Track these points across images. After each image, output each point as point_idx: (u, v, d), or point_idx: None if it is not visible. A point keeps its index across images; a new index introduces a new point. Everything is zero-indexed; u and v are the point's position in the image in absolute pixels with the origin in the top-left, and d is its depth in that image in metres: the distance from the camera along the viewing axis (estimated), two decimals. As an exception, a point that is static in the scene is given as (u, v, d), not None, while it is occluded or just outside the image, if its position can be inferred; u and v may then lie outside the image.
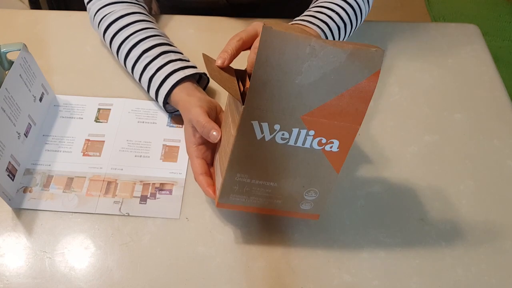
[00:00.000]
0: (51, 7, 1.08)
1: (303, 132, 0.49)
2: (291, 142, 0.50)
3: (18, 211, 0.60)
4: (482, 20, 2.06)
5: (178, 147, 0.67)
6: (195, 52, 0.72)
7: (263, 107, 0.48)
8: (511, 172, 0.66)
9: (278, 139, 0.50)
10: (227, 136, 0.54)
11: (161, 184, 0.63)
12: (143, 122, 0.70)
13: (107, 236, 0.59)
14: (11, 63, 0.68)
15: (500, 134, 0.70)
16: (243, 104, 0.47)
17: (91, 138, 0.67)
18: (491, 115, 0.73)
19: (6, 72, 0.67)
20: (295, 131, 0.49)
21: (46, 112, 0.70)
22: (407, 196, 0.63)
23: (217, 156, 0.59)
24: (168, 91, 0.64)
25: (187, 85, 0.65)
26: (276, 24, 0.45)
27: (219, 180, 0.56)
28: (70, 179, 0.63)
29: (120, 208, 0.61)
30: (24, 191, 0.62)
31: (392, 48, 0.81)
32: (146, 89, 0.69)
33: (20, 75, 0.61)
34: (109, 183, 0.63)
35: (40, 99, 0.67)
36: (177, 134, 0.68)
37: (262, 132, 0.49)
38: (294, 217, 0.58)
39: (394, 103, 0.74)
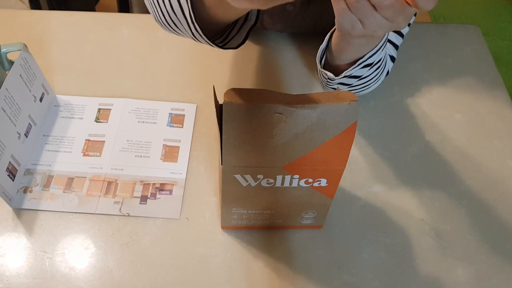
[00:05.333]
0: (51, 7, 1.09)
1: (288, 177, 0.49)
2: (278, 185, 0.51)
3: (19, 211, 0.60)
4: (482, 20, 2.06)
5: (178, 147, 0.67)
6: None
7: (241, 164, 0.48)
8: (511, 172, 0.66)
9: (264, 184, 0.50)
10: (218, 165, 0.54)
11: (161, 184, 0.63)
12: (143, 122, 0.70)
13: (107, 236, 0.59)
14: (11, 63, 0.68)
15: (500, 134, 0.70)
16: (221, 164, 0.47)
17: (91, 138, 0.68)
18: (491, 115, 0.73)
19: (7, 72, 0.67)
20: (279, 177, 0.49)
21: (46, 112, 0.70)
22: (407, 196, 0.63)
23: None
24: None
25: None
26: (239, 92, 0.43)
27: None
28: (71, 179, 0.63)
29: (120, 208, 0.61)
30: (25, 191, 0.62)
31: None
32: None
33: (20, 75, 0.61)
34: (109, 183, 0.63)
35: (41, 99, 0.67)
36: (177, 134, 0.68)
37: (247, 181, 0.50)
38: (297, 229, 0.59)
39: (394, 103, 0.74)
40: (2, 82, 0.57)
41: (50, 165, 0.64)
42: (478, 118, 0.72)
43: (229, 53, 0.79)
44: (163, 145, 0.67)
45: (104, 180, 0.63)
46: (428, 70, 0.78)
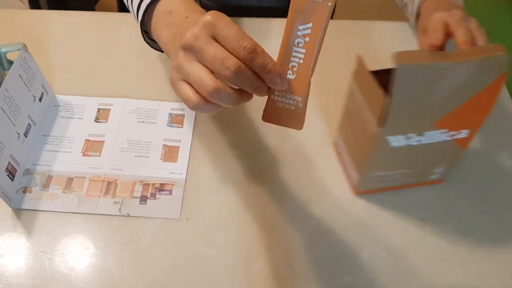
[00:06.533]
0: (51, 7, 1.08)
1: (435, 132, 0.52)
2: (424, 142, 0.53)
3: (18, 211, 0.60)
4: (482, 20, 2.05)
5: (178, 147, 0.67)
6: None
7: (397, 125, 0.50)
8: (511, 172, 0.66)
9: (411, 143, 0.53)
10: (358, 128, 0.56)
11: (161, 184, 0.63)
12: (143, 122, 0.70)
13: (107, 237, 0.58)
14: (11, 63, 0.68)
15: (500, 134, 0.70)
16: (379, 126, 0.49)
17: (91, 138, 0.67)
18: (491, 115, 0.72)
19: (6, 72, 0.67)
20: (428, 133, 0.52)
21: (46, 112, 0.70)
22: (407, 196, 0.63)
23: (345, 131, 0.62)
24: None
25: None
26: (407, 56, 0.45)
27: (348, 158, 0.61)
28: (70, 179, 0.63)
29: (120, 209, 0.61)
30: (24, 191, 0.62)
31: (393, 48, 0.81)
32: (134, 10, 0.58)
33: (20, 75, 0.61)
34: (109, 183, 0.63)
35: (40, 99, 0.67)
36: (177, 134, 0.68)
37: (398, 142, 0.52)
38: (421, 185, 0.63)
39: (394, 103, 0.73)
40: (2, 82, 0.57)
41: (49, 165, 0.64)
42: (478, 118, 0.72)
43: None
44: (163, 145, 0.67)
45: (103, 180, 0.63)
46: (428, 70, 0.78)
